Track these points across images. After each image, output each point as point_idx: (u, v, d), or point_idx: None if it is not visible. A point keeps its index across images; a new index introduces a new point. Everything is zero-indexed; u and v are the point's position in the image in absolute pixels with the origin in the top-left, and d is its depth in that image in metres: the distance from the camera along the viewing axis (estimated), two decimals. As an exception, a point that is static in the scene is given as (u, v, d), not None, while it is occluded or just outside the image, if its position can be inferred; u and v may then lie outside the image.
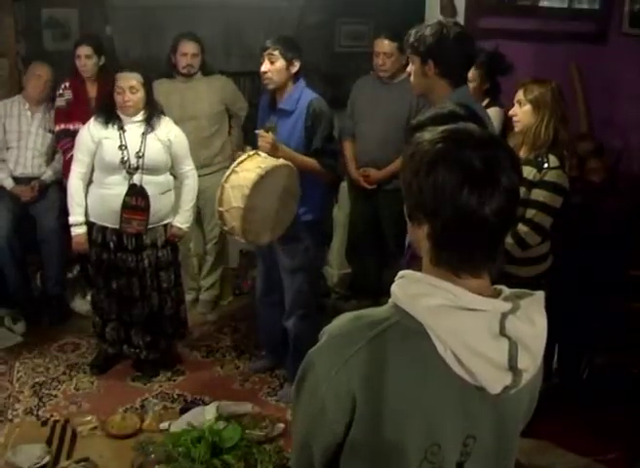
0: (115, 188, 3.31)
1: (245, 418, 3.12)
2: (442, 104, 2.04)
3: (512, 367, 1.09)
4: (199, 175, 4.05)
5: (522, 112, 2.87)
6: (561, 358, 3.51)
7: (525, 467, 2.79)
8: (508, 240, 2.80)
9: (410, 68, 2.48)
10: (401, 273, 1.18)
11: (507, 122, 3.23)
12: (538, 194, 2.78)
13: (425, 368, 1.11)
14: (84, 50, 3.97)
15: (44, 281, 4.26)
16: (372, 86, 3.96)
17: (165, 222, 3.49)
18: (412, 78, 2.48)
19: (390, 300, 1.17)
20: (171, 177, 3.51)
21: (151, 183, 3.35)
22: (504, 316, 1.10)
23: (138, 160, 3.30)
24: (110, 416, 3.18)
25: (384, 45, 3.79)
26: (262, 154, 2.98)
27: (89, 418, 3.17)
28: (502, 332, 1.09)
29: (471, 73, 2.90)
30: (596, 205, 3.58)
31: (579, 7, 4.18)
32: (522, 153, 2.86)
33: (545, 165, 2.79)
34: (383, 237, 4.03)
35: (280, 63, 3.10)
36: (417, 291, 1.12)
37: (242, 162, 2.95)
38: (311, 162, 3.13)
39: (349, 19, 5.79)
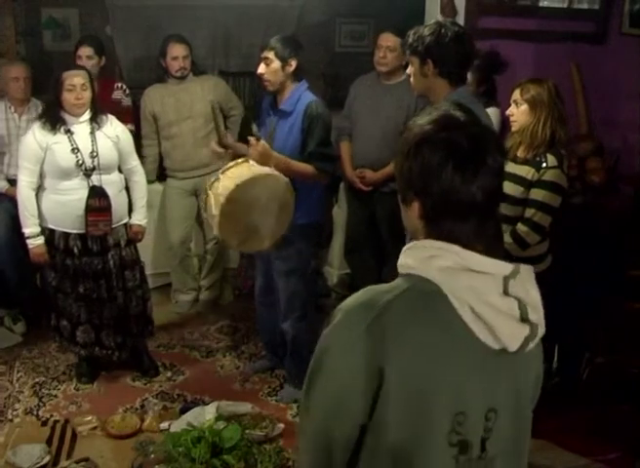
0: (74, 193, 3.26)
1: (245, 418, 3.11)
2: (438, 105, 2.04)
3: (525, 319, 1.14)
4: (199, 175, 4.09)
5: (519, 112, 2.87)
6: (561, 358, 3.51)
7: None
8: (508, 239, 2.81)
9: (409, 70, 2.48)
10: (407, 246, 1.21)
11: (506, 122, 3.23)
12: (536, 194, 2.78)
13: (444, 332, 1.13)
14: (85, 50, 3.97)
15: (44, 281, 4.25)
16: (370, 86, 3.91)
17: (124, 222, 3.47)
18: (412, 79, 2.48)
19: (398, 277, 1.19)
20: (122, 175, 3.48)
21: (108, 183, 3.32)
22: (506, 279, 1.14)
23: (92, 160, 3.26)
24: (110, 416, 3.18)
25: (389, 38, 3.75)
26: (251, 162, 2.90)
27: (89, 418, 3.17)
28: (507, 293, 1.14)
29: (468, 77, 2.89)
30: (596, 205, 3.58)
31: (578, 7, 4.17)
32: (520, 153, 2.86)
33: (544, 164, 2.79)
34: (381, 239, 3.97)
35: (275, 65, 3.08)
36: (428, 253, 1.16)
37: (228, 169, 2.89)
38: (305, 167, 3.07)
39: (349, 19, 5.80)
